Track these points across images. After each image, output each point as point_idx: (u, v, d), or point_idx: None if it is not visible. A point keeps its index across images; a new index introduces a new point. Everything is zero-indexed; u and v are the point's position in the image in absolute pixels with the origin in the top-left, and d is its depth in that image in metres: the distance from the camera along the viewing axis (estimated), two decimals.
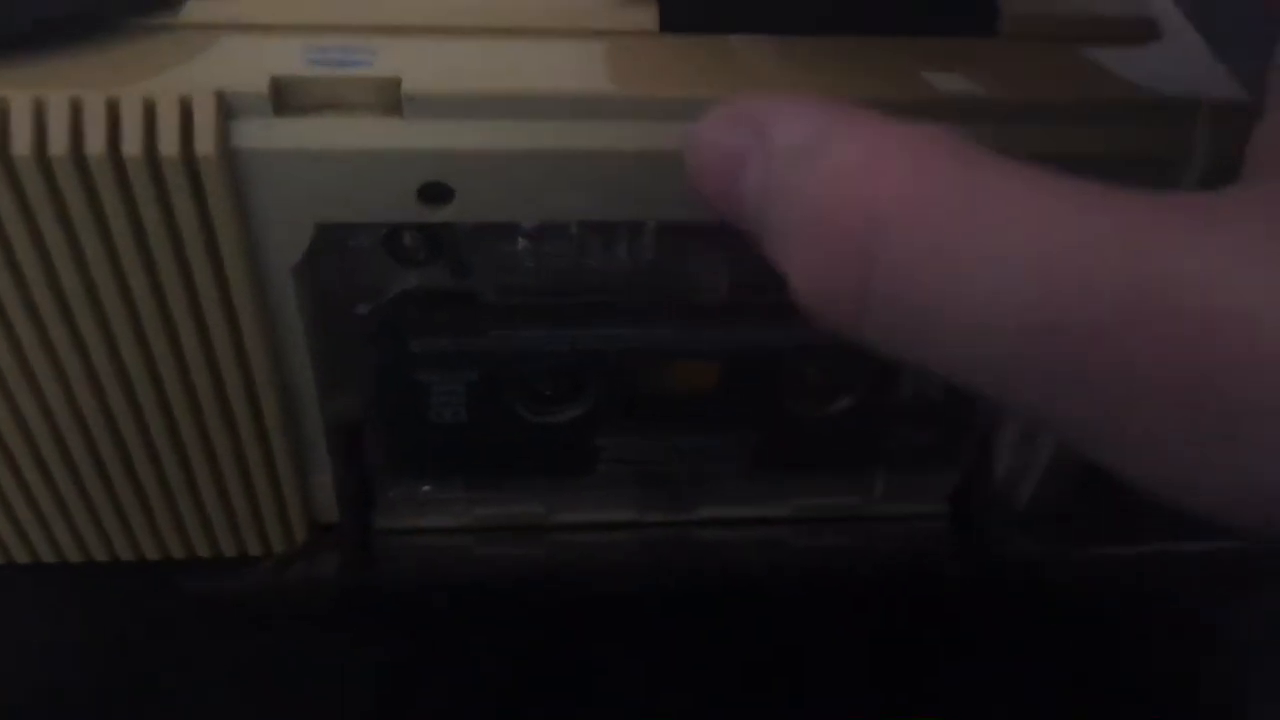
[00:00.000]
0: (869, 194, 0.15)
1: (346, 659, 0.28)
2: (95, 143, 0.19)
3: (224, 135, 0.19)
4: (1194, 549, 0.26)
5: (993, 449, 0.28)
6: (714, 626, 0.29)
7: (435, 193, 0.21)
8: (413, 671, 0.28)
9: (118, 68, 0.19)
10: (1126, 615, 0.27)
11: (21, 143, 0.19)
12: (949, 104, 0.21)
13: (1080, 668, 0.27)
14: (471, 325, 0.24)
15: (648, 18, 0.21)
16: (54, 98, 0.19)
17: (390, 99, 0.20)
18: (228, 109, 0.19)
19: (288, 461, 0.25)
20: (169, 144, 0.19)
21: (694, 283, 0.23)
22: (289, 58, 0.20)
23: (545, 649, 0.29)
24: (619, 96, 0.20)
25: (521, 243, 0.23)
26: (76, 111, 0.19)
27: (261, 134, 0.20)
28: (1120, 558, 0.25)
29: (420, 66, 0.20)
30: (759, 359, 0.25)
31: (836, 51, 0.21)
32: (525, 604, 0.29)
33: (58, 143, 0.19)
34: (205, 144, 0.19)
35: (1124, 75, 0.21)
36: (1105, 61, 0.22)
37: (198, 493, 0.26)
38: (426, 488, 0.28)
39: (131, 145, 0.19)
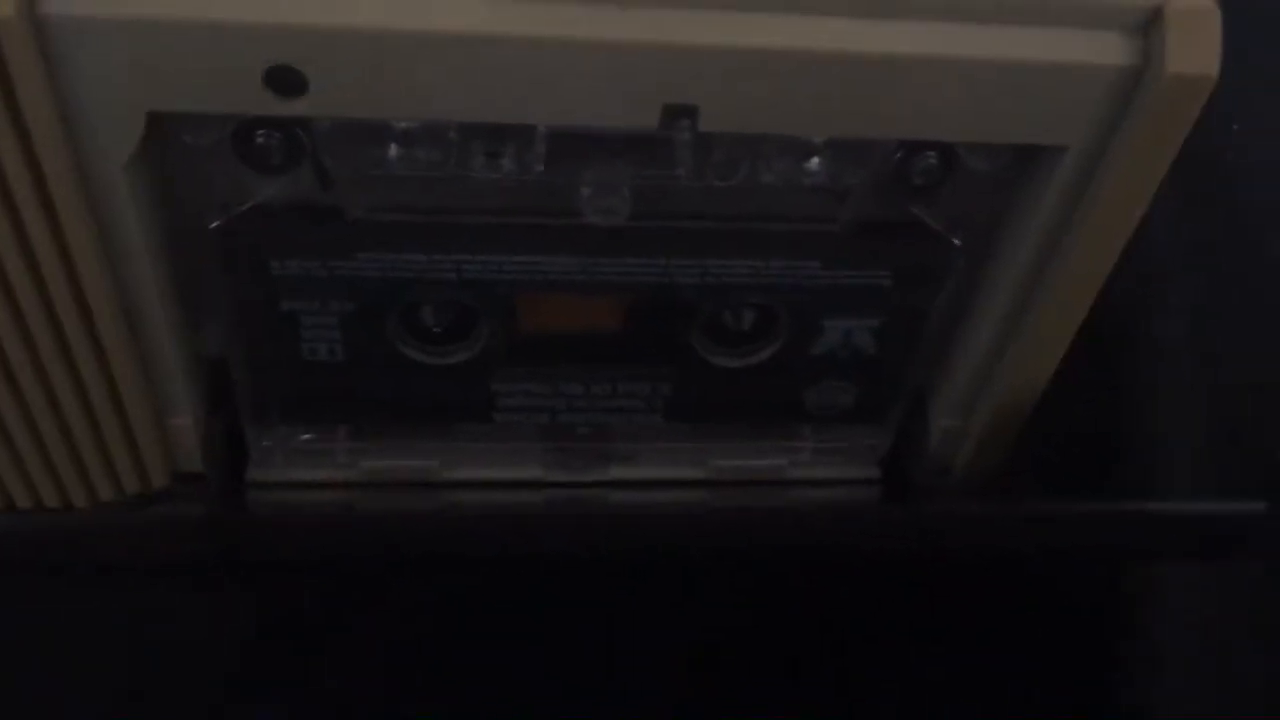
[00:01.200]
0: None
1: (210, 623, 0.26)
2: None
3: None
4: (1134, 508, 0.24)
5: (927, 409, 0.26)
6: (623, 599, 0.27)
7: (285, 80, 0.18)
8: (282, 643, 0.25)
9: None
10: (1066, 580, 0.25)
11: None
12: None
13: (1022, 635, 0.25)
14: (339, 245, 0.21)
15: None
16: None
17: None
18: None
19: (139, 400, 0.23)
20: None
21: (593, 202, 0.21)
22: None
23: (433, 619, 0.26)
24: None
25: (393, 149, 0.20)
26: None
27: None
28: (1058, 517, 0.23)
29: None
30: (667, 296, 0.23)
31: None
32: (413, 568, 0.26)
33: None
34: (5, 6, 0.16)
35: None
36: None
37: (37, 433, 0.23)
38: (305, 436, 0.25)
39: None
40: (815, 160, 0.21)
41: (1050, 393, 0.24)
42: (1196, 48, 0.18)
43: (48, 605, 0.24)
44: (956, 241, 0.22)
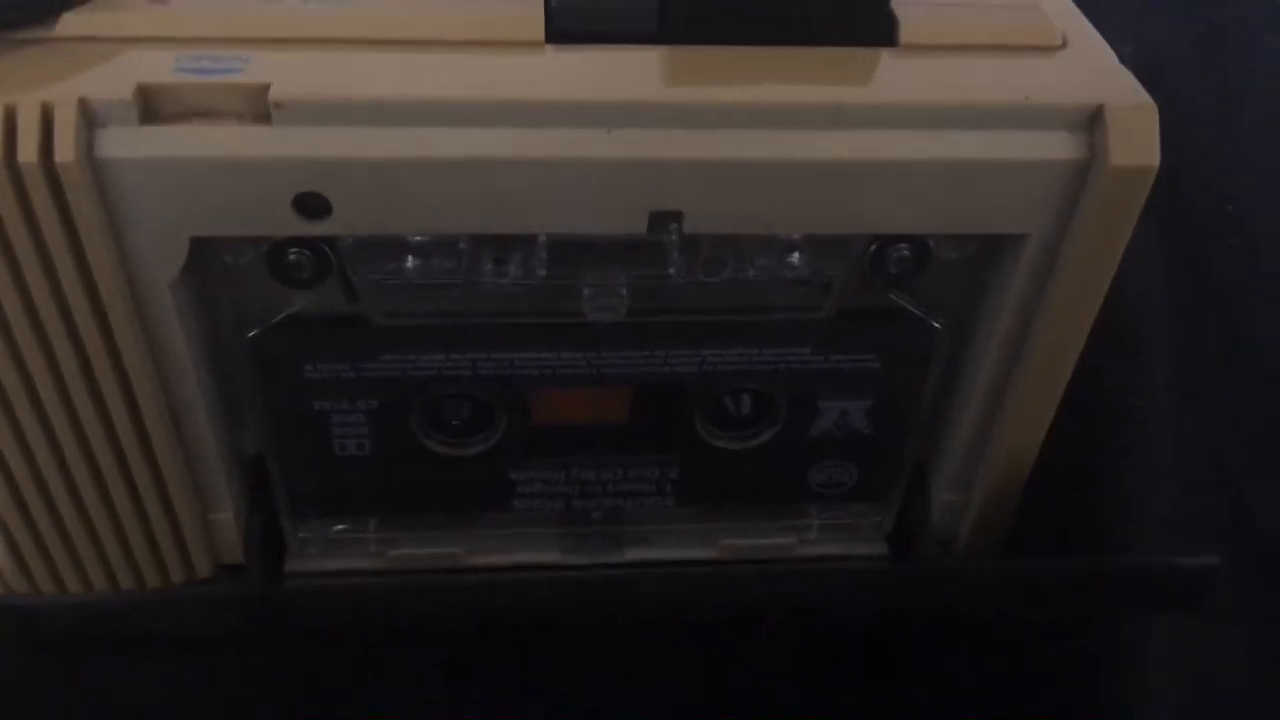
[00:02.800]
0: None
1: (253, 707, 0.27)
2: None
3: (88, 144, 0.19)
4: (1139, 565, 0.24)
5: (928, 484, 0.27)
6: (641, 674, 0.28)
7: (311, 204, 0.20)
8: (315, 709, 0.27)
9: None
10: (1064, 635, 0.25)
11: None
12: (846, 111, 0.20)
13: (1036, 709, 0.26)
14: (365, 349, 0.23)
15: (533, 28, 0.21)
16: None
17: (258, 105, 0.19)
18: (91, 116, 0.19)
19: (184, 496, 0.24)
20: (28, 151, 0.19)
21: (593, 302, 0.23)
22: (158, 67, 0.20)
23: (463, 697, 0.28)
24: (500, 101, 0.20)
25: (410, 260, 0.22)
26: None
27: (127, 142, 0.19)
28: (1062, 580, 0.24)
29: (292, 74, 0.20)
30: (668, 385, 0.24)
31: (726, 59, 0.21)
32: (442, 651, 0.27)
33: None
34: (66, 152, 0.19)
35: (1026, 81, 0.21)
36: (1009, 70, 0.21)
37: (91, 526, 0.25)
38: (338, 527, 0.27)
39: None
40: (796, 255, 0.22)
41: (1039, 461, 0.25)
42: (1136, 141, 0.20)
43: (102, 679, 0.26)
44: (936, 324, 0.23)
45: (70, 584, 0.26)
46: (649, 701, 0.27)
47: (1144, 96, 0.21)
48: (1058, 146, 0.21)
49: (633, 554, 0.28)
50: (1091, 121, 0.20)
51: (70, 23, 0.20)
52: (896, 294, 0.23)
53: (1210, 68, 0.30)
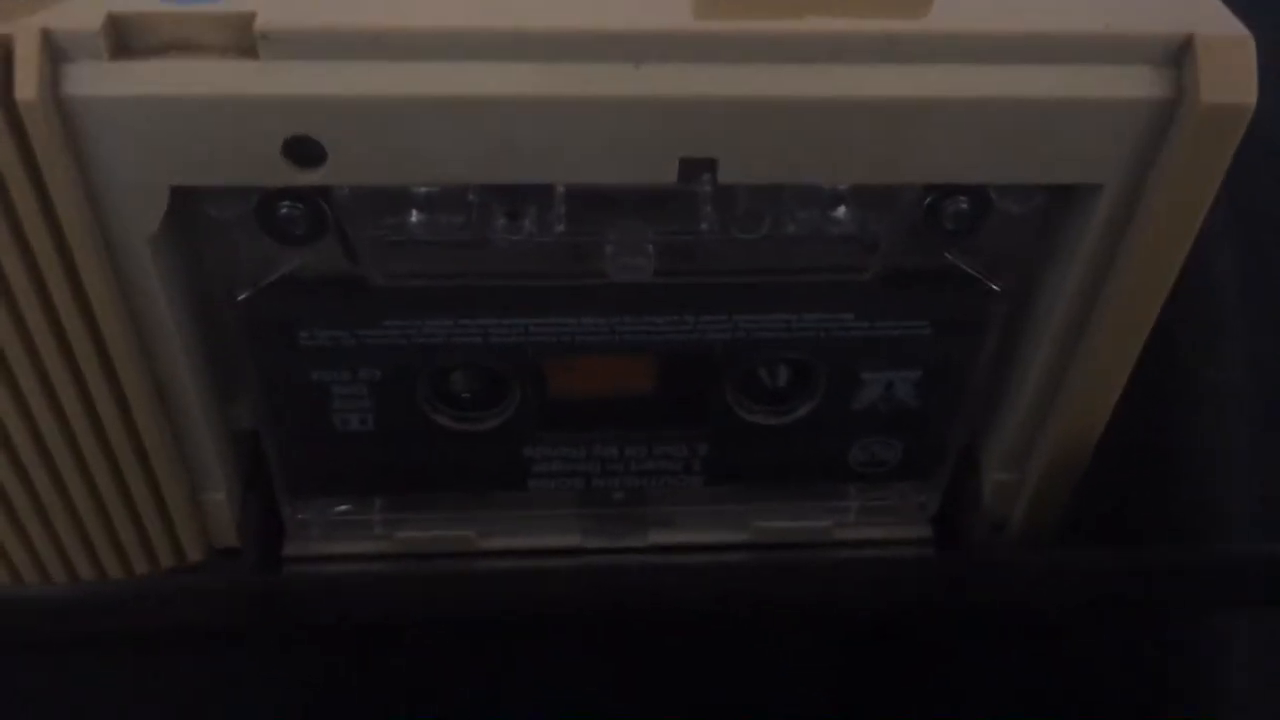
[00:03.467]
0: None
1: (251, 701, 0.25)
2: None
3: (52, 80, 0.17)
4: (1193, 556, 0.22)
5: (978, 462, 0.25)
6: (665, 668, 0.26)
7: (303, 150, 0.18)
8: (318, 709, 0.25)
9: None
10: (1126, 634, 0.23)
11: None
12: (899, 42, 0.18)
13: (1080, 693, 0.24)
14: (366, 314, 0.21)
15: None
16: None
17: (243, 37, 0.17)
18: (56, 51, 0.17)
19: (172, 475, 0.23)
20: None
21: (617, 260, 0.20)
22: None
23: (474, 692, 0.26)
24: (513, 32, 0.18)
25: (414, 214, 0.20)
26: None
27: (96, 79, 0.17)
28: (1117, 569, 0.22)
29: (280, 2, 0.17)
30: (697, 353, 0.22)
31: None
32: (452, 640, 0.26)
33: None
34: (27, 89, 0.17)
35: (1101, 9, 0.19)
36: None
37: (73, 509, 0.23)
38: (340, 508, 0.25)
39: None
40: (841, 209, 0.20)
41: (1104, 439, 0.23)
42: (1231, 76, 0.18)
43: (82, 674, 0.24)
44: (995, 287, 0.21)
45: (53, 570, 0.24)
46: (672, 698, 0.25)
47: (1238, 26, 0.18)
48: (1140, 83, 0.18)
49: (657, 537, 0.26)
50: (1179, 54, 0.18)
51: None
52: (951, 253, 0.21)
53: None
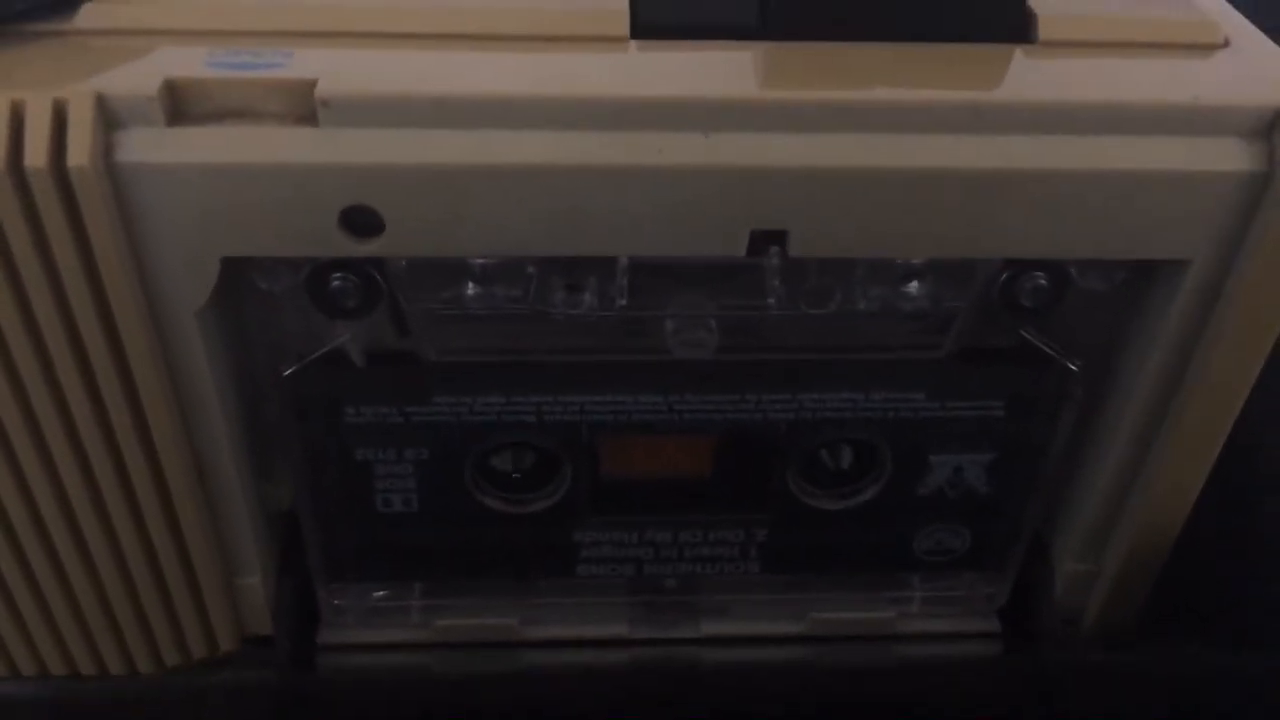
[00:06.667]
0: None
1: None
2: None
3: (105, 147, 0.16)
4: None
5: (1050, 552, 0.24)
6: None
7: (362, 220, 0.17)
8: None
9: None
10: None
11: None
12: (980, 112, 0.17)
13: None
14: (415, 391, 0.20)
15: (617, 22, 0.18)
16: None
17: (303, 105, 0.17)
18: (111, 116, 0.16)
19: (208, 558, 0.22)
20: (36, 154, 0.16)
21: (678, 336, 0.20)
22: (189, 61, 0.17)
23: None
24: (578, 99, 0.17)
25: (470, 287, 0.19)
26: None
27: (151, 146, 0.17)
28: (1202, 673, 0.21)
29: (340, 70, 0.17)
30: (759, 433, 0.21)
31: (837, 55, 0.18)
32: None
33: None
34: (80, 155, 0.16)
35: (1188, 81, 0.18)
36: (1166, 69, 0.18)
37: (102, 592, 0.22)
38: (379, 594, 0.24)
39: None
40: (914, 284, 0.19)
41: (1185, 531, 0.22)
42: None
43: None
44: (1073, 366, 0.20)
45: (81, 662, 0.23)
46: None
47: None
48: (1229, 156, 0.18)
49: (710, 628, 0.24)
50: (1270, 128, 0.17)
51: (92, 14, 0.18)
52: (1028, 330, 0.20)
53: None
